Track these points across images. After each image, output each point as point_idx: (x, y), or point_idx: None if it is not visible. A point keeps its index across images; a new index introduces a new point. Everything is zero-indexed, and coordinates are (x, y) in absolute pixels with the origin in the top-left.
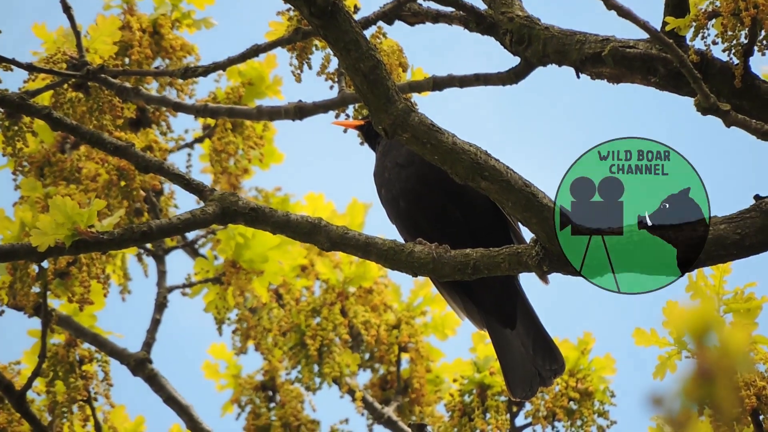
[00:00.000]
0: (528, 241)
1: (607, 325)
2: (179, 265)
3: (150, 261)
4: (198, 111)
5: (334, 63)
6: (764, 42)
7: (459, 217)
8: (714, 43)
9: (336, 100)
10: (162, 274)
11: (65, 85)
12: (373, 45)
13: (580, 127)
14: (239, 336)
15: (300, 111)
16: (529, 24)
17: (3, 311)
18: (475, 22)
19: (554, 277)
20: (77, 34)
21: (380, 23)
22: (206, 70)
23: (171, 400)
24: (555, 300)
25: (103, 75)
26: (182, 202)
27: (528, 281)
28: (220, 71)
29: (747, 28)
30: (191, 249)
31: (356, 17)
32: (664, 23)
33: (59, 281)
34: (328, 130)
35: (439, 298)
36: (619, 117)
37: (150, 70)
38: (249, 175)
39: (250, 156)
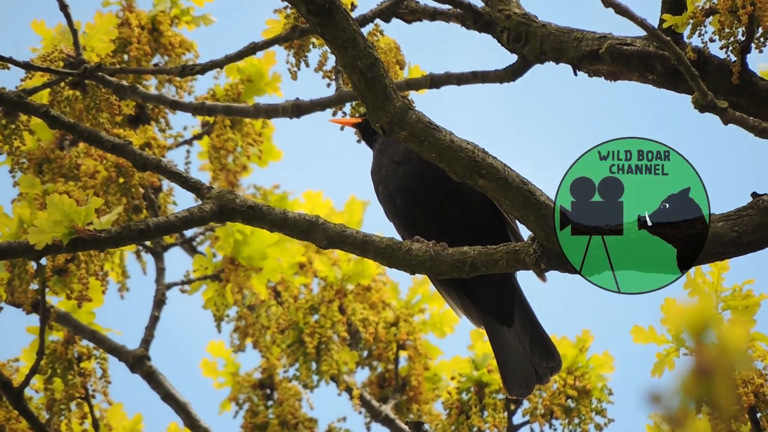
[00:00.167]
0: (525, 239)
1: (605, 323)
2: (178, 262)
3: (149, 258)
4: (195, 109)
5: (332, 61)
6: (761, 39)
7: (456, 214)
8: (711, 40)
9: (333, 97)
10: (161, 271)
11: (62, 84)
12: (370, 43)
13: (578, 124)
14: (237, 334)
15: (297, 109)
16: (526, 21)
17: (1, 308)
18: (472, 19)
19: (552, 275)
20: (74, 32)
21: (377, 21)
22: (203, 68)
23: (169, 397)
24: (553, 298)
25: (100, 73)
26: (181, 199)
27: (526, 279)
28: (218, 69)
29: (744, 26)
30: (189, 246)
31: (353, 15)
32: (662, 20)
33: (58, 278)
34: (325, 127)
35: (438, 296)
36: (616, 114)
37: (147, 68)
38: (247, 173)
39: (249, 153)
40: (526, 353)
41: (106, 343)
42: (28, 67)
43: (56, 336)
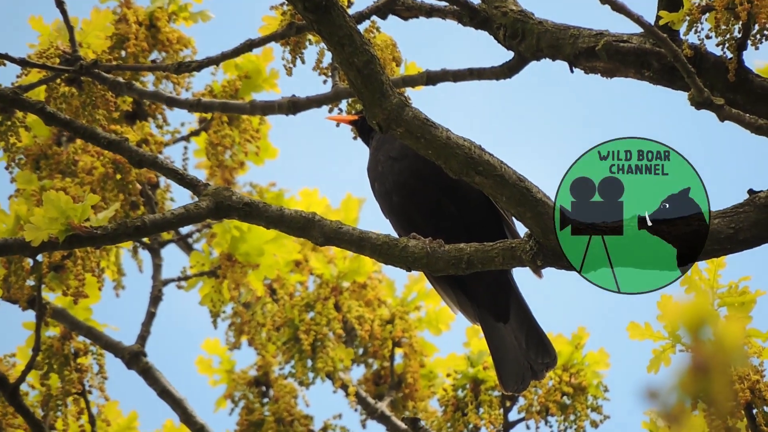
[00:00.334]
0: (522, 236)
1: (600, 320)
2: (174, 258)
3: (145, 254)
4: (191, 106)
5: (328, 58)
6: (758, 36)
7: (453, 211)
8: (708, 37)
9: (330, 94)
10: (157, 267)
11: (58, 80)
12: (366, 40)
13: (574, 121)
14: (233, 331)
15: (293, 106)
16: (522, 18)
17: None
18: (468, 16)
19: (548, 272)
20: (70, 28)
21: (374, 18)
22: (199, 65)
23: (165, 394)
24: (549, 294)
25: (96, 70)
26: (178, 196)
27: (522, 276)
28: (214, 66)
29: (740, 23)
30: (186, 243)
31: (350, 12)
32: (658, 17)
33: (54, 274)
34: (322, 125)
35: (433, 294)
36: (612, 111)
37: (143, 65)
38: (243, 171)
39: (247, 149)
40: (521, 349)
41: (103, 339)
42: (24, 63)
43: (52, 332)
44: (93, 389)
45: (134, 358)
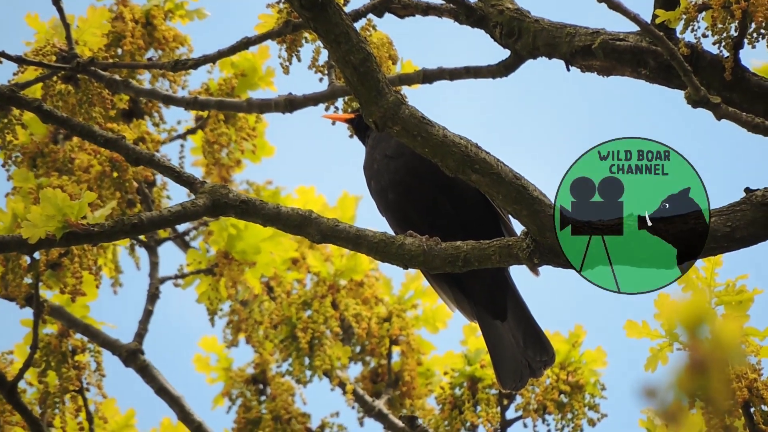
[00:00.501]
0: (519, 234)
1: (598, 318)
2: (172, 256)
3: (142, 252)
4: (188, 104)
5: (324, 56)
6: (754, 34)
7: (449, 209)
8: (704, 35)
9: (326, 92)
10: (154, 265)
11: (55, 78)
12: (363, 37)
13: (570, 119)
14: (230, 329)
15: (290, 104)
16: (519, 17)
17: None
18: (465, 14)
19: (545, 270)
20: (67, 26)
21: (370, 16)
22: (196, 63)
23: (162, 391)
24: (546, 293)
25: (92, 67)
26: (175, 194)
27: (519, 274)
28: (211, 64)
29: (737, 21)
30: (183, 241)
31: (346, 10)
32: (655, 16)
33: (51, 272)
34: (318, 123)
35: (431, 291)
36: (609, 110)
37: (140, 62)
38: (240, 169)
39: (243, 147)
40: (519, 347)
41: (100, 337)
42: (20, 61)
43: (50, 329)
44: (90, 387)
45: (132, 356)
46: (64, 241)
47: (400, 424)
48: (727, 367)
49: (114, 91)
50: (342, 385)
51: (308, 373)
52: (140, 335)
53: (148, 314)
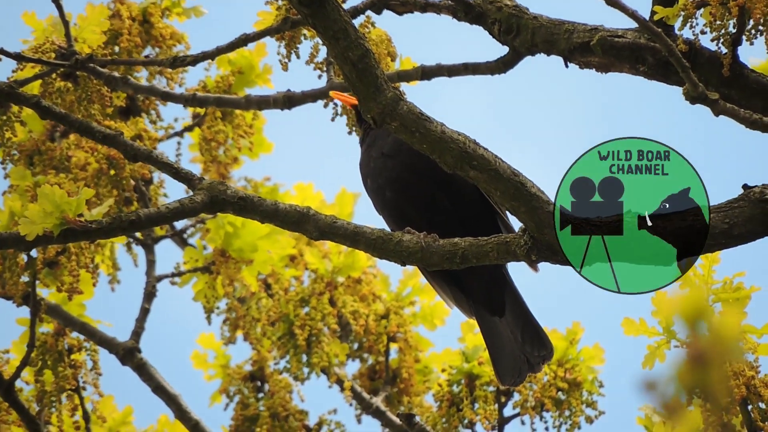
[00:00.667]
0: (516, 230)
1: (595, 315)
2: (168, 254)
3: (139, 250)
4: (186, 100)
5: (323, 52)
6: (752, 31)
7: (447, 206)
8: (702, 32)
9: (325, 89)
10: (151, 263)
11: (54, 75)
12: (361, 34)
13: (568, 116)
14: (228, 326)
15: (289, 100)
16: (517, 13)
17: None
18: (463, 11)
19: (543, 267)
20: (65, 23)
21: (369, 13)
22: (195, 60)
23: (159, 390)
24: (543, 290)
25: (91, 64)
26: (171, 191)
27: (516, 271)
28: (209, 60)
29: (735, 18)
30: (180, 238)
31: (345, 6)
32: (653, 12)
33: (48, 270)
34: (316, 119)
35: (428, 289)
36: (607, 106)
37: (139, 59)
38: (238, 165)
39: (240, 145)
40: (517, 343)
41: (97, 335)
42: (19, 58)
43: (46, 328)
44: (87, 385)
45: (128, 355)
46: (62, 237)
47: (398, 421)
48: (725, 365)
49: (113, 88)
50: (340, 382)
51: (306, 370)
52: (137, 333)
53: (144, 312)
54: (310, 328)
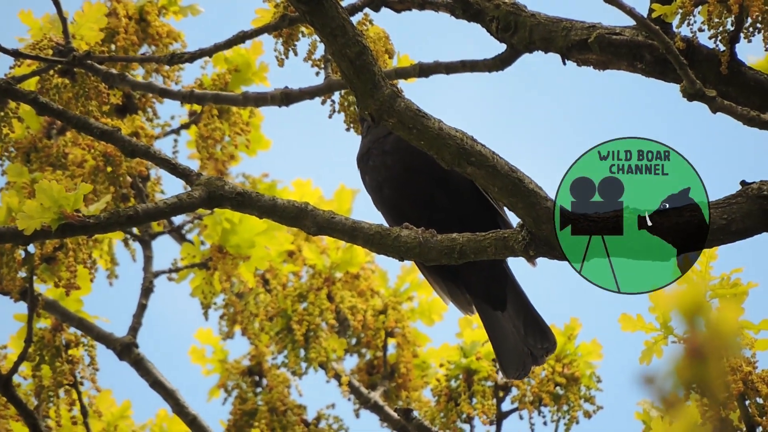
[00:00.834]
0: (515, 226)
1: (593, 311)
2: (166, 250)
3: (136, 246)
4: (184, 97)
5: (321, 49)
6: (750, 29)
7: (446, 203)
8: (700, 30)
9: (322, 86)
10: (148, 259)
11: (51, 72)
12: (359, 31)
13: (566, 113)
14: (226, 321)
15: (286, 97)
16: (515, 11)
17: None
18: (461, 9)
19: (541, 263)
20: (63, 20)
21: (367, 10)
22: (192, 57)
23: (157, 385)
24: (541, 285)
25: (89, 61)
26: (169, 188)
27: (515, 266)
28: (206, 58)
29: (733, 15)
30: (178, 234)
31: (343, 4)
32: (651, 10)
33: (46, 266)
34: (314, 116)
35: (426, 284)
36: (604, 104)
37: (136, 56)
38: (236, 162)
39: (237, 142)
40: (520, 336)
41: (94, 331)
42: (17, 54)
43: (44, 323)
44: (85, 380)
45: (126, 350)
46: (60, 232)
47: (396, 415)
48: (723, 360)
49: (111, 84)
50: (338, 377)
51: (304, 365)
52: (134, 329)
53: (142, 308)
54: (308, 324)
